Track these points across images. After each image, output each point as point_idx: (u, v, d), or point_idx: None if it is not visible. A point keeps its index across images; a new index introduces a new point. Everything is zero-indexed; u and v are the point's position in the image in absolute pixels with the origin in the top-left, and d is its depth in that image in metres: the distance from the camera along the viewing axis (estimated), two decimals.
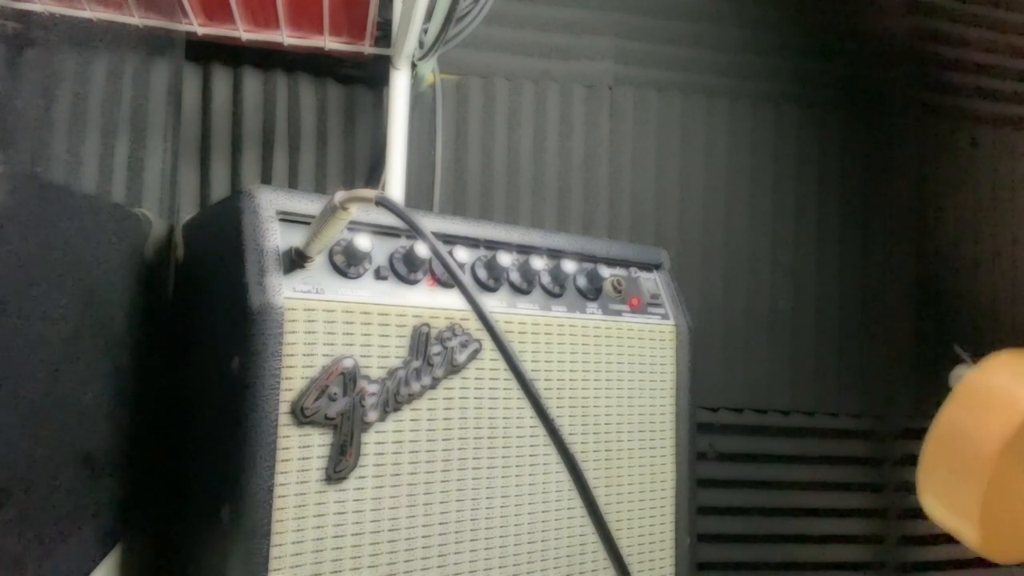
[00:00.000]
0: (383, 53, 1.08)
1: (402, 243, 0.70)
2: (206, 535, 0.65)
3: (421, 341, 0.67)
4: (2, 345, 0.44)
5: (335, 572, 0.61)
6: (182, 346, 0.80)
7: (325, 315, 0.62)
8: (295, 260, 0.62)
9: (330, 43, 1.06)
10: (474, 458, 0.70)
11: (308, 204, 0.65)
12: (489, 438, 0.71)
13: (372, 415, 0.63)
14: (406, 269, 0.68)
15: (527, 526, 0.73)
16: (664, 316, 0.88)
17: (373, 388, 0.64)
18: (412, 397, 0.66)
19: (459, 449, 0.69)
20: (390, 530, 0.64)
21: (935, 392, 1.36)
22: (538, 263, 0.77)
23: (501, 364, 0.70)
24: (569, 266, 0.78)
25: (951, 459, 0.42)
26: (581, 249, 0.83)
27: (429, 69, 1.14)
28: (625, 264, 0.87)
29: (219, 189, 1.10)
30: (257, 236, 0.62)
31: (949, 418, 0.44)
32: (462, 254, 0.71)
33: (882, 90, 1.40)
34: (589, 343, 0.80)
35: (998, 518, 0.38)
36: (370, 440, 0.64)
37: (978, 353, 1.37)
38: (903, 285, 1.38)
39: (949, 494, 0.41)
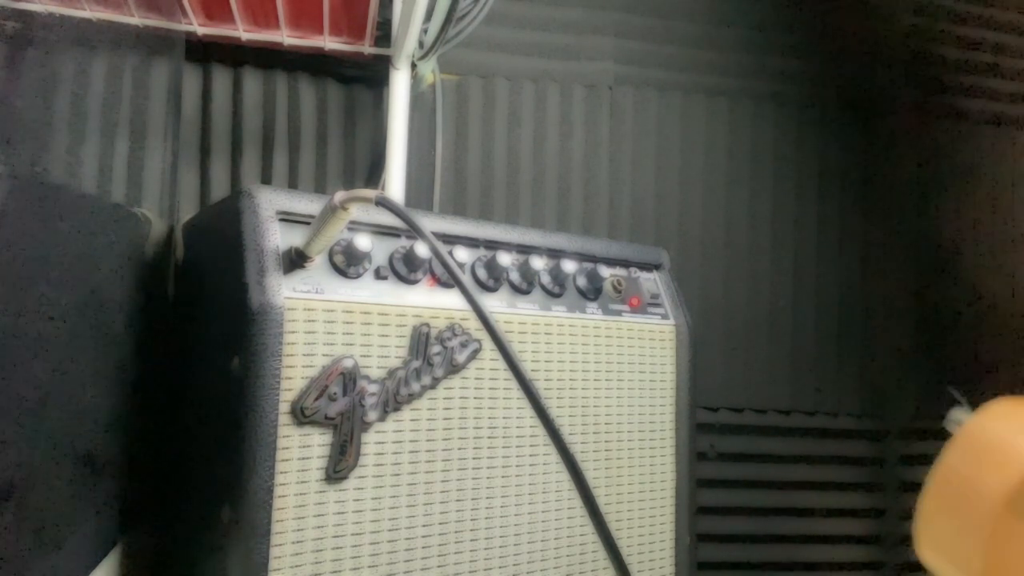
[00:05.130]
0: (383, 53, 1.08)
1: (402, 243, 0.70)
2: (206, 535, 0.65)
3: (421, 341, 0.67)
4: (2, 345, 0.44)
5: (335, 572, 0.61)
6: (182, 346, 0.80)
7: (325, 315, 0.62)
8: (295, 260, 0.62)
9: (330, 43, 1.06)
10: (474, 458, 0.70)
11: (308, 204, 0.65)
12: (489, 438, 0.71)
13: (372, 415, 0.63)
14: (406, 269, 0.68)
15: (527, 526, 0.73)
16: (664, 316, 0.87)
17: (373, 388, 0.64)
18: (412, 397, 0.66)
19: (459, 449, 0.69)
20: (390, 530, 0.64)
21: (935, 392, 1.36)
22: (538, 263, 0.77)
23: (501, 364, 0.70)
24: (569, 266, 0.78)
25: (951, 511, 0.41)
26: (581, 249, 0.83)
27: (429, 69, 1.14)
28: (625, 264, 0.87)
29: (219, 189, 1.10)
30: (257, 236, 0.62)
31: (949, 468, 0.43)
32: (462, 254, 0.71)
33: (882, 90, 1.40)
34: (589, 343, 0.80)
35: (1002, 573, 0.37)
36: (370, 440, 0.63)
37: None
38: (903, 285, 1.38)
39: (950, 546, 0.41)
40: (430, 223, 0.73)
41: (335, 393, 0.61)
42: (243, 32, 1.03)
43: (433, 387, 0.68)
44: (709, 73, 1.32)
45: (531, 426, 0.74)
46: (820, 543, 1.31)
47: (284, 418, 0.59)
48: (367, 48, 1.07)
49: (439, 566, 0.67)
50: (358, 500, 0.62)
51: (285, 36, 1.04)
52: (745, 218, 1.32)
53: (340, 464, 0.61)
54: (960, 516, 0.40)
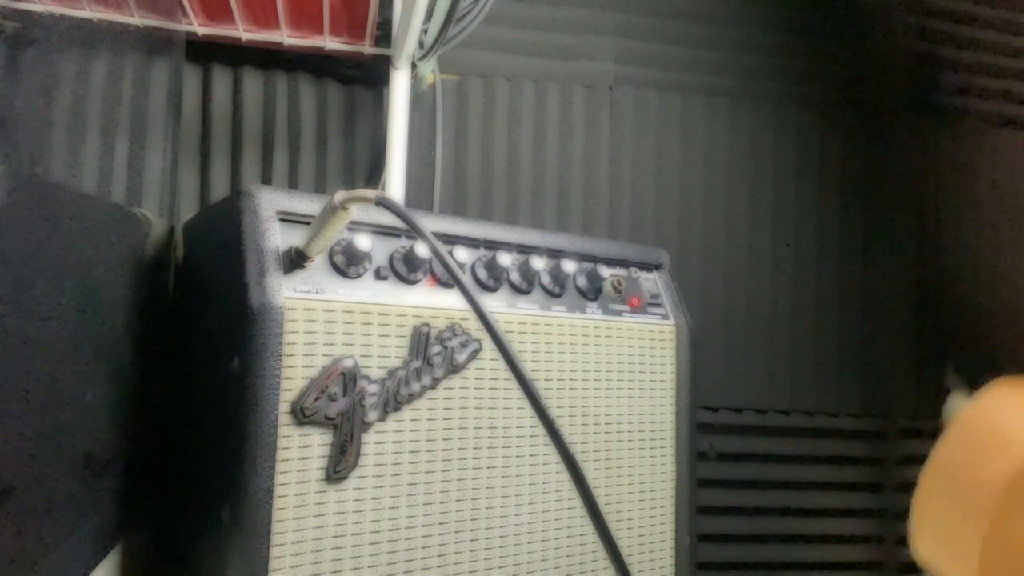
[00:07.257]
0: (383, 53, 1.08)
1: (402, 243, 0.70)
2: (206, 535, 0.65)
3: (421, 341, 0.67)
4: (2, 345, 0.44)
5: (335, 572, 0.61)
6: (182, 346, 0.80)
7: (325, 315, 0.62)
8: (295, 260, 0.62)
9: (330, 43, 1.06)
10: (474, 458, 0.70)
11: (308, 204, 0.65)
12: (489, 438, 0.71)
13: (372, 415, 0.63)
14: (406, 269, 0.68)
15: (527, 526, 0.73)
16: (664, 316, 0.87)
17: (373, 388, 0.64)
18: (412, 397, 0.66)
19: (459, 449, 0.69)
20: (390, 530, 0.64)
21: (935, 392, 1.36)
22: (538, 263, 0.77)
23: (501, 364, 0.70)
24: (569, 266, 0.78)
25: (950, 498, 0.41)
26: (581, 249, 0.83)
27: (429, 69, 1.14)
28: (625, 264, 0.87)
29: (219, 189, 1.10)
30: (257, 236, 0.62)
31: (947, 455, 0.43)
32: (462, 254, 0.71)
33: (882, 90, 1.40)
34: (589, 343, 0.80)
35: (1000, 562, 0.37)
36: (370, 440, 0.64)
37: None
38: (903, 285, 1.38)
39: (947, 535, 0.40)
40: (430, 223, 0.73)
41: (335, 393, 0.61)
42: (243, 32, 1.03)
43: (433, 387, 0.68)
44: (709, 73, 1.32)
45: (531, 426, 0.74)
46: (820, 543, 1.31)
47: (284, 418, 0.59)
48: (367, 48, 1.07)
49: (439, 566, 0.67)
50: (358, 500, 0.62)
51: (285, 36, 1.04)
52: (745, 218, 1.32)
53: (340, 464, 0.61)
54: (959, 502, 0.40)
